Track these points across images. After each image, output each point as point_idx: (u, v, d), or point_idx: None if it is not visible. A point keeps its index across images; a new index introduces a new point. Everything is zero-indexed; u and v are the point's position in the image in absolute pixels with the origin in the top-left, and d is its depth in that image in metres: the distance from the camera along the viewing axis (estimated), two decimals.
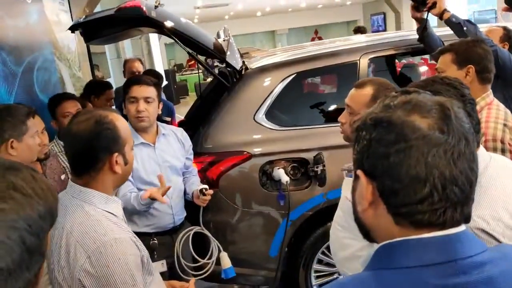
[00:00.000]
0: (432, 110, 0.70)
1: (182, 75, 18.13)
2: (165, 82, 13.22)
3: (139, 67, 4.14)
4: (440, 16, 2.67)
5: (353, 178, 0.79)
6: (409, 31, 3.31)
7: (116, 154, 1.36)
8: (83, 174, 1.36)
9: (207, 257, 2.39)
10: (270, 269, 2.85)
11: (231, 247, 2.83)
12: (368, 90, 1.72)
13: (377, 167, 0.71)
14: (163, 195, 2.11)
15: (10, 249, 0.62)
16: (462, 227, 0.70)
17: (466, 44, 1.98)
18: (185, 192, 2.53)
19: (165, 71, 14.64)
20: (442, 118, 0.69)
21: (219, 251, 2.39)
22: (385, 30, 16.83)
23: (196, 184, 2.51)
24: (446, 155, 0.68)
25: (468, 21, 2.66)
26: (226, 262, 2.37)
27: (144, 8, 2.51)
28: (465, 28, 2.57)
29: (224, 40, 3.01)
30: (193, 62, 17.43)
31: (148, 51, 12.62)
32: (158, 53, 13.77)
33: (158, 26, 2.62)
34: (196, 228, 2.41)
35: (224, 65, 3.08)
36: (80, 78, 4.44)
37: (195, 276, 2.36)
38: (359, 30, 6.64)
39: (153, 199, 2.13)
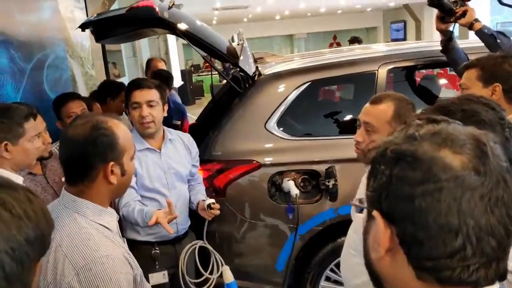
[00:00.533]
0: (466, 145, 0.60)
1: (198, 75, 18.12)
2: (181, 82, 13.27)
3: (163, 67, 4.10)
4: (470, 26, 2.51)
5: (365, 216, 0.68)
6: (430, 42, 3.18)
7: (112, 163, 1.26)
8: (77, 183, 1.27)
9: (208, 271, 2.29)
10: (276, 283, 2.74)
11: (236, 259, 2.73)
12: (388, 106, 1.61)
13: (398, 210, 0.60)
14: (169, 222, 1.99)
15: None
16: (496, 286, 0.59)
17: (494, 59, 1.82)
18: (189, 201, 2.44)
19: (182, 71, 14.66)
20: (477, 156, 0.59)
21: (222, 265, 2.29)
22: (404, 39, 16.60)
23: (201, 194, 2.42)
24: (483, 200, 0.57)
25: (501, 32, 2.49)
26: (229, 276, 2.27)
27: (157, 9, 2.43)
28: (499, 41, 2.40)
29: (238, 44, 2.93)
30: (208, 64, 17.33)
31: (166, 51, 12.61)
32: (175, 53, 13.76)
33: (170, 28, 2.54)
34: (200, 243, 2.32)
35: (237, 69, 3.00)
36: (92, 76, 4.40)
37: None
38: (356, 40, 6.48)
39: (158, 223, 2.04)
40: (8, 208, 0.60)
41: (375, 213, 0.63)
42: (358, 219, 1.62)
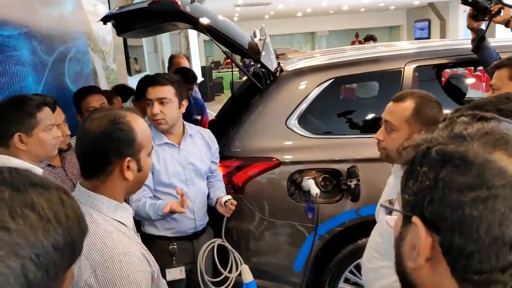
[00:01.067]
0: None
1: (218, 72, 18.15)
2: (201, 79, 13.31)
3: (186, 64, 4.08)
4: (507, 24, 2.41)
5: (399, 220, 0.63)
6: (457, 40, 3.08)
7: (128, 158, 1.23)
8: (92, 177, 1.24)
9: (227, 270, 2.26)
10: (294, 284, 2.69)
11: (254, 257, 2.69)
12: (409, 104, 1.55)
13: (444, 218, 0.54)
14: (182, 206, 1.97)
15: (5, 280, 0.49)
16: None
17: None
18: (208, 197, 2.40)
19: (202, 67, 14.70)
20: None
21: (241, 263, 2.25)
22: (429, 38, 16.29)
23: (221, 191, 2.38)
24: None
25: None
26: (248, 276, 2.23)
27: (179, 2, 2.40)
28: None
29: (260, 40, 2.88)
30: (229, 60, 17.33)
31: (187, 47, 12.65)
32: (196, 49, 13.80)
33: (192, 22, 2.50)
34: (218, 241, 2.28)
35: (258, 65, 2.95)
36: (114, 70, 4.41)
37: None
38: (371, 38, 6.36)
39: (173, 212, 2.01)
40: (36, 210, 0.55)
41: (415, 219, 0.57)
42: (384, 222, 1.56)
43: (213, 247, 2.28)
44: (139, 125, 1.27)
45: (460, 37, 14.64)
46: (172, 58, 4.33)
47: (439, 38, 15.11)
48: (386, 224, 1.49)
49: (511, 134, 0.55)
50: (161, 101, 2.16)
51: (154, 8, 2.43)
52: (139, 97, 3.24)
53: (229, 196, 2.24)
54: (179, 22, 2.71)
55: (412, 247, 0.58)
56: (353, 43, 20.57)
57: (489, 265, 0.51)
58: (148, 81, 2.23)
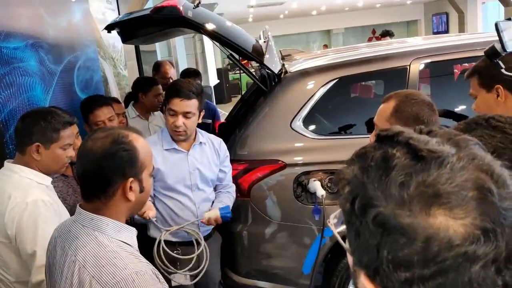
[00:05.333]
0: (465, 201, 0.48)
1: (235, 73, 18.19)
2: (216, 81, 13.36)
3: (172, 74, 4.03)
4: None
5: (351, 261, 0.60)
6: (472, 34, 3.01)
7: (131, 179, 1.21)
8: (93, 199, 1.22)
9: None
10: (303, 286, 2.67)
11: (263, 260, 2.70)
12: (390, 103, 1.57)
13: None
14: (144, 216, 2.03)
15: None
16: None
17: (485, 62, 1.65)
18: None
19: (218, 69, 14.76)
20: (483, 213, 0.48)
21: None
22: (447, 31, 15.99)
23: (223, 203, 2.32)
24: (496, 263, 0.47)
25: None
26: (213, 211, 2.19)
27: (181, 8, 2.41)
28: None
29: (264, 42, 2.87)
30: (246, 61, 17.36)
31: (202, 50, 12.72)
32: (212, 51, 13.86)
33: (195, 27, 2.52)
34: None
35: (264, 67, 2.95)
36: (125, 76, 4.46)
37: None
38: (388, 34, 6.27)
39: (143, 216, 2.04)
40: None
41: (364, 281, 0.54)
42: None
43: (219, 249, 2.27)
44: (142, 145, 1.26)
45: (479, 30, 14.33)
46: (158, 66, 4.23)
47: (458, 31, 14.83)
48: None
49: (453, 183, 0.49)
50: (186, 115, 2.18)
51: (157, 16, 2.45)
52: (136, 96, 3.28)
53: (216, 213, 2.19)
54: (184, 28, 2.73)
55: None
56: (370, 39, 20.34)
57: None
58: (175, 92, 2.18)
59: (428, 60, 2.68)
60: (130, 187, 1.21)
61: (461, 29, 15.01)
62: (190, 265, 2.15)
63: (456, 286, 0.47)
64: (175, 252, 2.22)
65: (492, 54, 1.55)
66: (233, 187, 2.51)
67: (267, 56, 2.69)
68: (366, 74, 2.76)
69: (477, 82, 1.68)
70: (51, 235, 1.33)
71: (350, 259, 0.61)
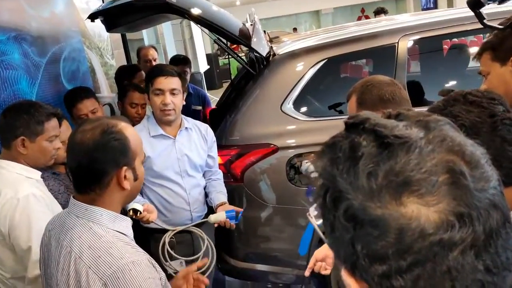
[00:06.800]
0: (436, 186, 0.46)
1: (225, 58, 18.04)
2: (207, 67, 13.25)
3: (154, 54, 4.03)
4: None
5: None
6: (461, 9, 2.98)
7: (125, 168, 1.20)
8: (88, 191, 1.20)
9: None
10: (301, 267, 2.69)
11: (260, 244, 2.72)
12: (353, 99, 1.57)
13: (374, 285, 0.49)
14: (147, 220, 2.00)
15: None
16: None
17: (501, 35, 1.62)
18: (207, 195, 2.43)
19: (207, 55, 14.63)
20: (456, 197, 0.46)
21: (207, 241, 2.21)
22: (435, 7, 15.90)
23: (223, 193, 2.38)
24: (474, 248, 0.46)
25: None
26: (220, 215, 2.20)
27: None
28: None
29: (250, 25, 2.84)
30: (235, 45, 17.20)
31: (190, 36, 12.59)
32: (200, 37, 13.72)
33: (180, 12, 2.48)
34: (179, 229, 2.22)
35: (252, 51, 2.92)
36: (113, 66, 4.41)
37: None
38: (382, 11, 6.19)
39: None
40: None
41: (345, 275, 0.53)
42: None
43: (213, 234, 2.28)
44: (131, 133, 1.25)
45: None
46: (139, 51, 4.21)
47: (446, 7, 14.75)
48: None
49: (423, 169, 0.47)
50: (173, 92, 2.20)
51: (140, 2, 2.41)
52: (122, 81, 3.25)
53: (222, 213, 2.20)
54: (169, 13, 2.69)
55: (347, 283, 0.54)
56: (359, 18, 20.21)
57: None
58: (158, 71, 2.23)
59: (417, 37, 2.66)
60: (125, 176, 1.20)
61: (450, 4, 14.94)
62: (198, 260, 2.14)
63: (434, 275, 0.46)
64: (170, 240, 2.23)
65: (474, 4, 1.52)
66: (221, 173, 2.52)
67: (254, 39, 2.66)
68: (355, 53, 2.74)
69: (490, 57, 1.62)
70: (46, 227, 1.33)
71: (331, 252, 0.59)
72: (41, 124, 1.80)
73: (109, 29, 2.81)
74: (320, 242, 2.70)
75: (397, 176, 0.47)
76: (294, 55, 2.73)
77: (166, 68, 2.25)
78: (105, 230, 1.18)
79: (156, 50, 4.29)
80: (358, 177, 0.49)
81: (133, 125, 1.60)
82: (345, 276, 0.53)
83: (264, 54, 2.69)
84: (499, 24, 1.60)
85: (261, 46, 2.70)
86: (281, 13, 20.29)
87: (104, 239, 1.15)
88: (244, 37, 2.66)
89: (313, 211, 0.68)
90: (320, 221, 0.65)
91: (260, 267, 2.74)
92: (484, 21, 1.52)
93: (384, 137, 0.50)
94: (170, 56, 9.12)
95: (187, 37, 12.38)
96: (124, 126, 1.24)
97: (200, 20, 2.49)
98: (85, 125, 1.23)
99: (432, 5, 15.91)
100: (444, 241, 0.45)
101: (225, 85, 14.69)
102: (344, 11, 21.46)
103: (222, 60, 17.18)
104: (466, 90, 1.02)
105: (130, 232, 1.27)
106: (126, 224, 1.26)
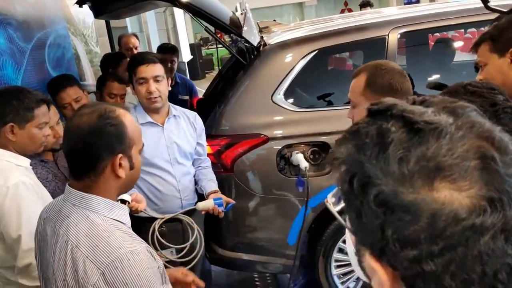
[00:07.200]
0: (468, 172, 0.47)
1: (208, 49, 17.90)
2: (190, 57, 13.12)
3: (135, 43, 4.01)
4: None
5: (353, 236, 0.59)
6: (445, 3, 3.03)
7: (120, 155, 1.18)
8: (83, 177, 1.18)
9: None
10: (289, 256, 2.72)
11: (248, 234, 2.72)
12: (361, 77, 1.57)
13: (402, 269, 0.49)
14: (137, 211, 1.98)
15: None
16: None
17: (501, 27, 1.64)
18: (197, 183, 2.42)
19: (191, 45, 14.47)
20: (487, 182, 0.46)
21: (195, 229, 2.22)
22: (418, 1, 16.06)
23: (213, 181, 2.39)
24: (504, 233, 0.46)
25: None
26: (208, 203, 2.21)
27: None
28: None
29: (241, 14, 2.82)
30: (219, 35, 17.12)
31: (173, 25, 12.42)
32: (183, 26, 13.55)
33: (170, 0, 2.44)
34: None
35: (243, 40, 2.89)
36: (97, 53, 4.33)
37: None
38: (368, 4, 6.24)
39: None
40: None
41: (371, 261, 0.53)
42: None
43: (203, 223, 2.31)
44: (129, 121, 1.23)
45: (449, 0, 14.43)
46: (120, 39, 4.18)
47: (429, 1, 14.91)
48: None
49: (455, 154, 0.47)
50: (156, 79, 2.17)
51: None
52: (107, 69, 3.21)
53: (210, 201, 2.22)
54: (158, 0, 2.65)
55: (372, 269, 0.54)
56: (342, 11, 20.27)
57: None
58: (139, 60, 2.20)
59: (407, 29, 2.68)
60: (120, 164, 1.18)
61: None
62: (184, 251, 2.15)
63: (465, 260, 0.46)
64: (159, 229, 2.22)
65: None
66: (210, 160, 2.53)
67: (245, 28, 2.64)
68: (346, 44, 2.75)
69: (488, 48, 1.63)
70: (39, 216, 1.30)
71: (352, 238, 0.59)
72: (31, 110, 1.76)
73: (97, 15, 2.75)
74: (309, 232, 2.73)
75: (429, 162, 0.47)
76: (285, 46, 2.72)
77: (147, 56, 2.23)
78: (102, 219, 1.16)
79: (137, 38, 4.26)
80: (389, 162, 0.49)
81: None
82: (371, 262, 0.53)
83: (255, 44, 2.67)
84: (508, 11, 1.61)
85: (252, 36, 2.69)
86: (264, 4, 20.18)
87: (102, 228, 1.14)
88: (235, 26, 2.64)
89: (331, 198, 0.68)
90: (338, 208, 0.65)
91: (248, 256, 2.75)
92: (488, 4, 1.54)
93: (414, 122, 0.50)
94: (153, 44, 9.03)
95: (170, 26, 12.22)
96: (123, 113, 1.22)
97: (190, 8, 2.45)
98: (83, 109, 1.21)
99: (415, 0, 16.07)
100: (476, 226, 0.45)
101: (208, 76, 14.64)
102: (328, 3, 21.49)
103: (205, 51, 17.07)
104: (465, 82, 1.04)
105: (127, 220, 1.25)
106: (123, 212, 1.24)
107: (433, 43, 3.52)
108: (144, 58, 2.20)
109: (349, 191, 0.53)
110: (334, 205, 0.67)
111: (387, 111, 0.53)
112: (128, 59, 3.48)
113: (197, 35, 19.80)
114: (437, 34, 3.07)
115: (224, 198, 2.26)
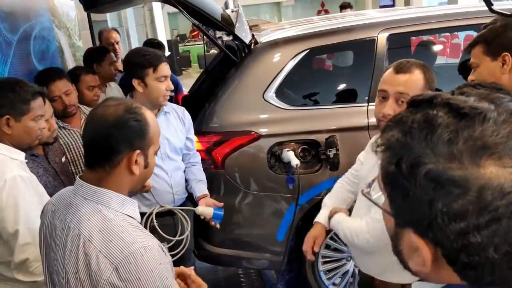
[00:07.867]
0: None
1: (185, 45, 17.78)
2: (168, 53, 13.00)
3: (116, 37, 4.02)
4: None
5: (391, 221, 0.63)
6: (425, 7, 3.11)
7: (138, 151, 1.18)
8: (97, 167, 1.18)
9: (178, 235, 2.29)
10: (276, 252, 2.75)
11: (237, 230, 2.73)
12: (418, 73, 1.58)
13: (446, 243, 0.54)
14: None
15: None
16: None
17: (495, 30, 1.71)
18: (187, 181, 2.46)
19: (168, 41, 14.33)
20: None
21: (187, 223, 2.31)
22: (393, 5, 16.38)
23: (203, 182, 2.43)
24: None
25: None
26: (208, 210, 2.27)
27: None
28: None
29: (232, 11, 2.83)
30: (196, 33, 17.03)
31: (151, 20, 12.29)
32: (161, 22, 13.42)
33: None
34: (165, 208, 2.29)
35: (231, 38, 2.90)
36: (80, 47, 4.25)
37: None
38: (348, 6, 6.33)
39: None
40: None
41: (414, 238, 0.57)
42: (364, 201, 1.62)
43: (192, 218, 2.33)
44: (152, 120, 1.23)
45: (423, 4, 14.79)
46: (101, 33, 4.18)
47: (403, 5, 15.23)
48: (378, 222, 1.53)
49: (501, 135, 0.52)
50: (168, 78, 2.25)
51: None
52: (91, 67, 3.20)
53: (210, 209, 2.29)
54: None
55: (412, 250, 0.58)
56: (319, 12, 20.46)
57: (499, 274, 0.52)
58: (159, 58, 2.21)
59: (395, 31, 2.75)
60: (136, 160, 1.18)
61: (407, 3, 15.44)
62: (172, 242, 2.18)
63: (509, 232, 0.51)
64: (151, 224, 2.21)
65: None
66: (199, 155, 2.54)
67: (237, 25, 2.66)
68: (336, 44, 2.80)
69: (482, 50, 1.70)
70: (45, 208, 1.28)
71: (389, 222, 0.63)
72: (27, 103, 1.74)
73: (88, 8, 2.71)
74: (297, 228, 2.76)
75: (476, 141, 0.53)
76: (277, 44, 2.75)
77: (161, 54, 2.28)
78: (115, 214, 1.16)
79: (118, 33, 4.22)
80: (437, 143, 0.54)
81: None
82: (414, 240, 0.57)
83: (247, 41, 2.69)
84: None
85: (244, 33, 2.70)
86: (242, 2, 20.17)
87: (115, 223, 1.13)
88: (227, 23, 2.65)
89: (366, 189, 0.71)
90: (376, 196, 0.69)
91: (236, 252, 2.76)
92: (492, 7, 1.60)
93: (461, 108, 0.55)
94: (132, 40, 8.91)
95: (148, 22, 12.08)
96: (147, 112, 1.23)
97: (182, 3, 2.45)
98: (109, 101, 1.22)
99: (390, 2, 16.38)
100: None
101: (185, 73, 14.53)
102: (305, 3, 21.66)
103: (182, 47, 16.93)
104: (475, 81, 1.09)
105: (137, 215, 1.25)
106: (134, 207, 1.24)
107: (415, 46, 3.62)
108: (161, 56, 2.24)
109: (396, 173, 0.58)
110: (369, 195, 0.71)
111: (432, 100, 0.59)
112: (112, 53, 3.45)
113: (174, 32, 19.63)
114: (421, 36, 3.16)
115: (214, 201, 2.34)
